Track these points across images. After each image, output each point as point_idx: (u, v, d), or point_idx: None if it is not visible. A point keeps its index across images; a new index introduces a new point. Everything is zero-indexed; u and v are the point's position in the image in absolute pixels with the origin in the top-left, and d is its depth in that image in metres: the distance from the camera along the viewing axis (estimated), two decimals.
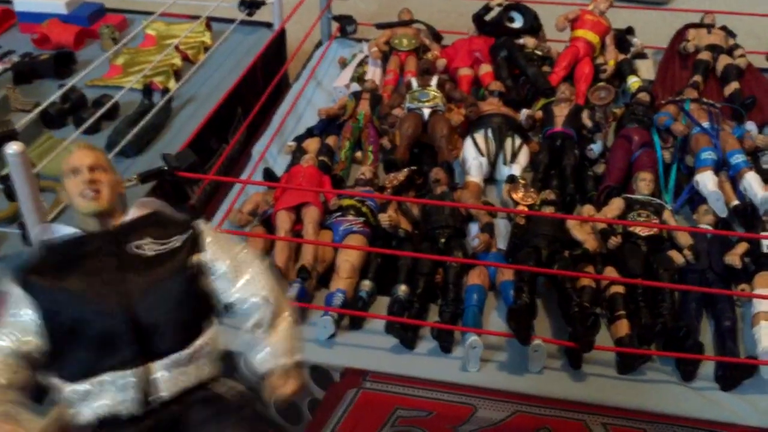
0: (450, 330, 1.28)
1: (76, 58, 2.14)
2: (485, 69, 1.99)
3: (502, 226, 1.49)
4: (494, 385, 1.24)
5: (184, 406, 0.36)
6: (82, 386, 0.37)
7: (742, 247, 1.40)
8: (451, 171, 1.62)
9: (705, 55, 1.97)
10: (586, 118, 1.72)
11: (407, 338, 1.27)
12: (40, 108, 1.64)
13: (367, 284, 1.38)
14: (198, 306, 0.39)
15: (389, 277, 1.40)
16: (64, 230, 0.42)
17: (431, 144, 1.72)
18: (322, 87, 2.10)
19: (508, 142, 1.69)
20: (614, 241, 1.40)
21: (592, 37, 1.99)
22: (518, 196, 1.52)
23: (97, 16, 2.36)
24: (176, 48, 2.13)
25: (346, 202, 1.49)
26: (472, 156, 1.67)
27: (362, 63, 2.11)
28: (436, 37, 2.13)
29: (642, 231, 1.42)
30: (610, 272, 1.38)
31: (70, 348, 0.38)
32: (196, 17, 2.21)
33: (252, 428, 0.39)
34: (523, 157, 1.68)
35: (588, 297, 1.32)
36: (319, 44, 2.33)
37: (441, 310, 1.33)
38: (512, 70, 1.98)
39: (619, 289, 1.34)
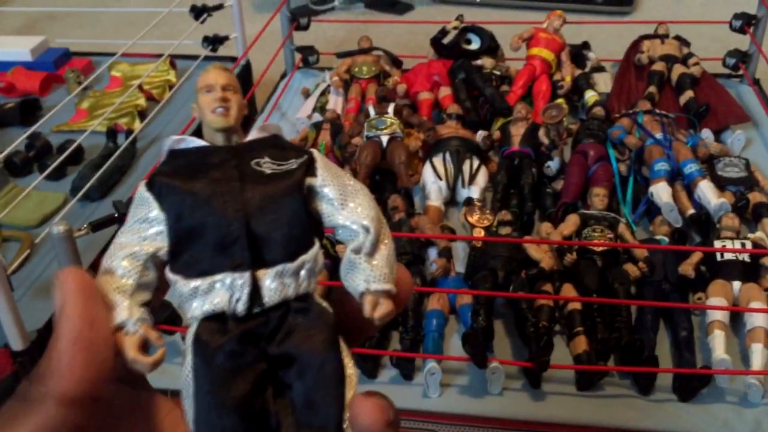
0: (410, 357, 1.29)
1: (41, 105, 2.17)
2: (445, 92, 2.01)
3: (460, 250, 1.50)
4: (456, 409, 1.25)
5: (282, 314, 0.39)
6: (195, 283, 0.38)
7: (696, 257, 1.42)
8: (409, 197, 1.64)
9: (659, 66, 2.00)
10: (542, 135, 1.74)
11: (368, 368, 1.29)
12: (1, 156, 1.66)
13: None
14: (307, 224, 0.41)
15: None
16: (195, 142, 0.44)
17: (392, 170, 1.74)
18: (286, 118, 2.12)
19: (467, 164, 1.71)
20: (570, 258, 1.42)
21: (548, 55, 2.02)
22: (474, 218, 1.54)
23: (62, 60, 2.38)
24: (140, 88, 2.15)
25: None
26: (431, 180, 1.69)
27: (324, 92, 2.14)
28: (396, 62, 2.16)
29: (597, 246, 1.44)
30: (568, 289, 1.40)
31: (188, 248, 0.39)
32: (160, 56, 2.23)
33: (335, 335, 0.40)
34: (482, 178, 1.70)
35: (546, 315, 1.33)
36: (284, 75, 2.35)
37: (401, 338, 1.34)
38: (471, 91, 2.01)
39: (577, 305, 1.36)
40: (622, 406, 1.24)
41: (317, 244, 0.43)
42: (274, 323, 0.38)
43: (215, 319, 0.38)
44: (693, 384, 1.23)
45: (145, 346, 0.37)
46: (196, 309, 0.39)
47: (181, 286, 0.40)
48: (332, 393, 0.36)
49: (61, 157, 1.73)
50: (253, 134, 0.47)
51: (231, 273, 0.38)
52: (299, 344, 0.37)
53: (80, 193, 1.70)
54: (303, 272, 0.40)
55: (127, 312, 0.37)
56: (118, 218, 1.19)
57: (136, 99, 2.12)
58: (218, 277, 0.38)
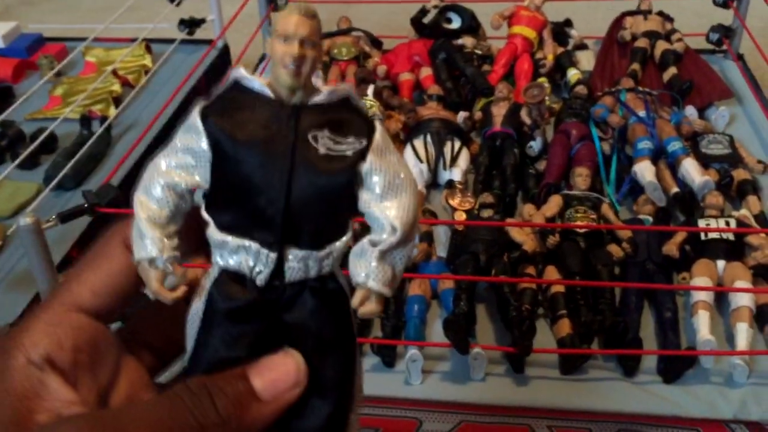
0: (391, 344, 1.27)
1: (14, 92, 2.11)
2: (425, 72, 1.98)
3: (441, 234, 1.48)
4: (438, 396, 1.23)
5: (299, 290, 0.39)
6: (225, 237, 0.37)
7: (680, 236, 1.40)
8: None
9: (642, 43, 1.97)
10: (524, 115, 1.71)
11: None
12: None
13: None
14: (346, 211, 0.40)
15: None
16: (257, 82, 0.41)
17: None
18: None
19: (448, 146, 1.68)
20: (552, 240, 1.39)
21: (529, 33, 1.99)
22: (455, 201, 1.51)
23: (36, 46, 2.33)
24: (115, 73, 2.11)
25: None
26: (412, 163, 1.66)
27: None
28: (376, 43, 2.12)
29: (580, 228, 1.42)
30: (551, 271, 1.38)
31: (226, 199, 0.38)
32: (136, 40, 2.18)
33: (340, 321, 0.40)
34: (463, 160, 1.67)
35: (529, 299, 1.31)
36: (262, 58, 2.31)
37: (382, 324, 1.32)
38: (452, 71, 1.97)
39: (560, 288, 1.34)
40: (607, 390, 1.22)
41: (349, 233, 0.41)
42: (288, 297, 0.38)
43: (234, 278, 0.38)
44: (678, 366, 1.21)
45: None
46: (221, 259, 0.38)
47: (212, 231, 0.38)
48: (332, 360, 0.38)
49: (33, 145, 1.69)
50: (323, 94, 0.43)
51: (259, 243, 0.38)
52: (308, 319, 0.38)
53: (53, 183, 1.66)
54: (328, 259, 0.39)
55: (159, 246, 0.37)
56: (87, 209, 1.16)
57: (110, 85, 2.08)
58: (247, 243, 0.38)
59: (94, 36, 1.90)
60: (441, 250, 1.45)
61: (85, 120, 1.89)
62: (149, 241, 0.37)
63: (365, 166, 0.41)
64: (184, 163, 0.39)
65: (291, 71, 0.42)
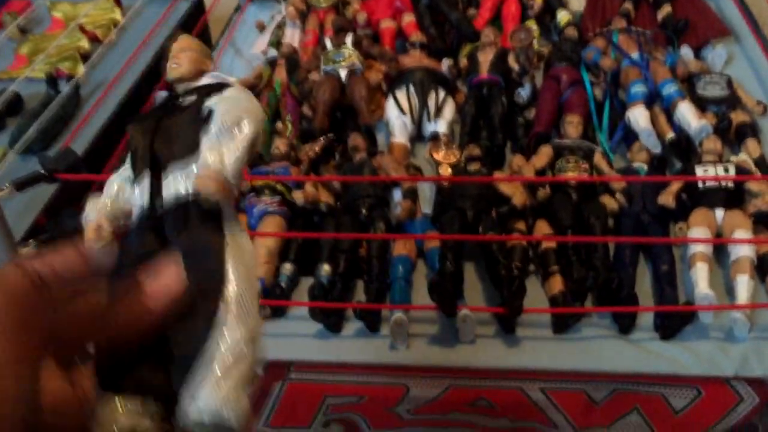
0: (375, 308, 1.21)
1: None
2: (408, 18, 1.88)
3: (426, 190, 1.41)
4: (425, 361, 1.18)
5: (182, 214, 0.46)
6: (136, 189, 0.49)
7: (676, 185, 1.33)
8: (371, 135, 1.54)
9: None
10: (512, 61, 1.63)
11: (331, 323, 1.20)
12: None
13: (288, 267, 1.30)
14: (196, 135, 0.49)
15: (313, 255, 1.32)
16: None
17: (353, 106, 1.63)
18: (241, 55, 1.99)
19: (432, 96, 1.60)
20: (542, 193, 1.32)
21: None
22: (440, 155, 1.44)
23: None
24: (82, 29, 2.00)
25: (259, 182, 1.40)
26: (395, 115, 1.58)
27: (281, 26, 2.00)
28: None
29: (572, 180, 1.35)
30: (542, 226, 1.31)
31: (133, 166, 0.50)
32: None
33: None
34: (449, 110, 1.59)
35: (519, 256, 1.25)
36: (237, 8, 2.20)
37: (366, 287, 1.26)
38: (436, 17, 1.87)
39: (551, 243, 1.27)
40: (601, 348, 1.17)
41: (203, 149, 0.47)
42: (171, 220, 0.45)
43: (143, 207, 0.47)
44: (676, 321, 1.15)
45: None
46: (138, 198, 0.48)
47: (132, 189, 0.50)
48: (203, 265, 0.42)
49: None
50: (204, 80, 0.56)
51: (142, 179, 0.48)
52: (181, 230, 0.44)
53: (18, 146, 1.58)
54: (191, 170, 0.46)
55: (94, 214, 0.51)
56: (44, 175, 1.08)
57: (77, 41, 1.97)
58: (138, 184, 0.48)
59: None
60: (426, 207, 1.38)
61: (52, 79, 1.79)
62: (93, 210, 0.51)
63: (211, 101, 0.50)
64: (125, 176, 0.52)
65: (172, 67, 0.56)
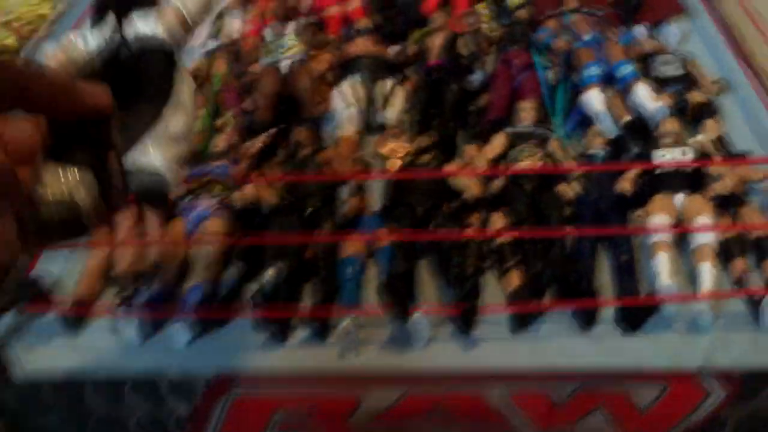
0: (322, 314, 1.13)
1: None
2: (354, 4, 1.80)
3: (375, 185, 1.33)
4: (378, 368, 1.11)
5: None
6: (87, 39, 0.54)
7: (634, 171, 1.27)
8: (316, 128, 1.46)
9: None
10: (462, 46, 1.56)
11: (276, 331, 1.13)
12: None
13: (230, 274, 1.22)
14: None
15: (257, 259, 1.24)
16: None
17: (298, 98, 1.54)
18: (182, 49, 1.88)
19: (380, 85, 1.52)
20: (497, 183, 1.26)
21: None
22: (388, 149, 1.36)
23: None
24: (8, 25, 1.88)
25: (195, 184, 1.31)
26: (341, 107, 1.50)
27: (221, 15, 1.90)
28: None
29: (527, 167, 1.29)
30: (497, 218, 1.25)
31: None
32: None
33: None
34: (398, 99, 1.51)
35: (473, 252, 1.18)
36: None
37: (313, 290, 1.18)
38: (384, 2, 1.79)
39: (507, 237, 1.21)
40: (563, 346, 1.11)
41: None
42: (130, 50, 0.51)
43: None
44: (638, 314, 1.10)
45: None
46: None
47: None
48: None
49: None
50: None
51: (104, 23, 0.53)
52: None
53: None
54: (153, 14, 0.54)
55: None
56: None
57: (4, 39, 1.86)
58: (99, 28, 0.53)
59: None
60: (376, 204, 1.31)
61: None
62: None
63: None
64: None
65: None
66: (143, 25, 0.53)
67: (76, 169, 0.35)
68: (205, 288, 1.17)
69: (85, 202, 0.35)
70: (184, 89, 0.54)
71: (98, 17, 0.53)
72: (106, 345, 1.16)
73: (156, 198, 0.57)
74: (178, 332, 1.12)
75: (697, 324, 1.09)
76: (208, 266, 1.20)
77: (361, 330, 1.11)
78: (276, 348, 1.13)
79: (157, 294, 1.17)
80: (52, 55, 0.60)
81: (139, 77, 0.47)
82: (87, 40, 0.57)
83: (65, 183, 0.34)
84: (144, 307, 1.16)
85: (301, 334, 1.15)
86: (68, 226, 0.34)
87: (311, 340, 1.14)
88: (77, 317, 1.19)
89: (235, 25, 1.83)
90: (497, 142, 1.34)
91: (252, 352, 1.13)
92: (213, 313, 1.14)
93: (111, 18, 0.53)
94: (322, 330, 1.13)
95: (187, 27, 0.57)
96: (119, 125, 0.38)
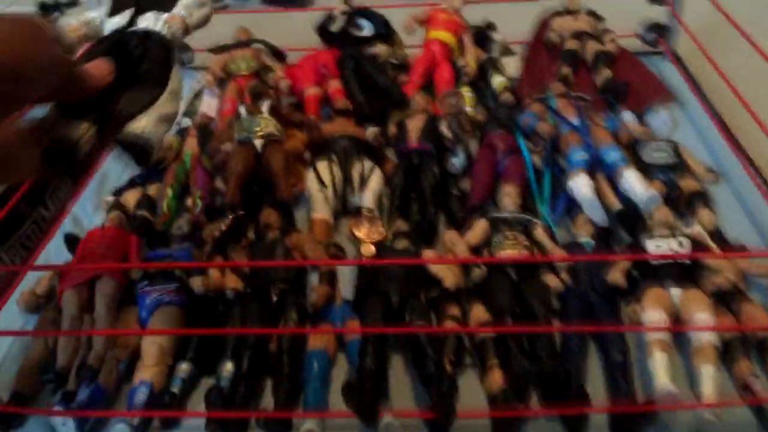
0: (281, 417, 1.01)
1: None
2: (334, 85, 1.75)
3: (347, 272, 1.23)
4: None
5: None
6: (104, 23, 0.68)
7: (626, 261, 1.18)
8: (286, 211, 1.37)
9: (571, 44, 1.78)
10: (444, 128, 1.50)
11: None
12: None
13: (183, 368, 1.10)
14: None
15: (216, 351, 1.13)
16: None
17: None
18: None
19: (357, 166, 1.45)
20: (478, 272, 1.17)
21: (448, 38, 1.78)
22: (362, 232, 1.28)
23: None
24: None
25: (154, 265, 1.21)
26: (316, 188, 1.42)
27: (198, 94, 1.84)
28: (279, 56, 1.88)
29: (511, 255, 1.20)
30: (478, 310, 1.15)
31: None
32: None
33: None
34: (375, 182, 1.44)
35: (451, 348, 1.08)
36: None
37: (274, 389, 1.07)
38: (364, 82, 1.74)
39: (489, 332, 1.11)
40: None
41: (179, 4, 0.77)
42: (135, 38, 0.60)
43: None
44: (634, 422, 0.99)
45: None
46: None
47: None
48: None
49: None
50: None
51: (120, 13, 0.64)
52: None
53: None
54: (163, 16, 0.70)
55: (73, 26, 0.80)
56: None
57: None
58: (113, 17, 0.66)
59: None
60: (347, 292, 1.21)
61: None
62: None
63: None
64: None
65: None
66: (153, 23, 0.60)
67: (87, 124, 0.47)
68: (153, 385, 1.05)
69: (84, 148, 0.47)
70: (176, 82, 0.64)
71: (117, 9, 0.61)
72: None
73: (140, 155, 0.61)
74: None
75: None
76: (158, 361, 1.09)
77: None
78: None
79: (99, 391, 1.05)
80: (73, 27, 0.73)
81: (141, 63, 0.53)
82: (103, 23, 0.65)
83: (78, 129, 0.46)
84: (85, 405, 1.03)
85: None
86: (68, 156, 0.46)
87: None
88: (13, 414, 1.07)
89: (212, 104, 1.77)
90: (479, 228, 1.26)
91: None
92: (160, 413, 1.02)
93: (128, 12, 0.61)
94: None
95: (187, 33, 0.77)
96: (120, 99, 0.49)
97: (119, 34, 0.61)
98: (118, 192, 1.53)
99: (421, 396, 1.07)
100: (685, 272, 1.16)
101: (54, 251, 1.37)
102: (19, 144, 0.38)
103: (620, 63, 1.78)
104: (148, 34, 0.60)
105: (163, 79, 0.59)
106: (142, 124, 0.60)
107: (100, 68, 0.43)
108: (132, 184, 1.55)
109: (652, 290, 1.13)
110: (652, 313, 1.09)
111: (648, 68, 1.79)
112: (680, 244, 1.18)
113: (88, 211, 1.53)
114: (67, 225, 1.48)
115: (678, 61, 1.87)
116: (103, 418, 1.04)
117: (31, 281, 1.29)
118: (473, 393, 1.06)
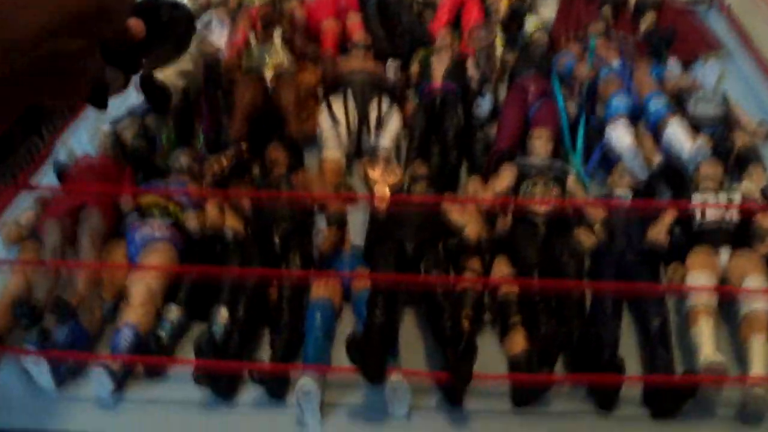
0: (279, 369, 0.91)
1: None
2: (353, 18, 1.62)
3: (359, 216, 1.12)
4: None
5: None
6: None
7: (669, 217, 1.07)
8: (295, 148, 1.26)
9: None
10: (471, 67, 1.37)
11: (222, 387, 0.91)
12: None
13: (173, 311, 1.01)
14: None
15: (210, 296, 1.03)
16: None
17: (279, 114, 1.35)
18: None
19: (374, 104, 1.33)
20: (503, 223, 1.05)
21: None
22: (376, 173, 1.16)
23: None
24: None
25: (147, 200, 1.11)
26: (328, 126, 1.30)
27: (206, 24, 1.71)
28: None
29: (539, 206, 1.08)
30: (501, 264, 1.04)
31: None
32: None
33: None
34: (393, 123, 1.32)
35: (470, 303, 0.97)
36: None
37: (271, 341, 0.97)
38: (387, 20, 1.62)
39: (513, 288, 1.00)
40: (575, 428, 0.89)
41: None
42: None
43: None
44: (672, 396, 0.88)
45: None
46: None
47: None
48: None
49: None
50: None
51: None
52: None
53: None
54: None
55: None
56: None
57: None
58: None
59: None
60: (358, 238, 1.10)
61: None
62: None
63: None
64: None
65: None
66: None
67: (119, 71, 0.43)
68: (139, 328, 0.95)
69: (114, 90, 0.41)
70: (194, 46, 0.68)
71: None
72: (17, 394, 0.95)
73: (160, 100, 0.53)
74: (101, 381, 0.90)
75: (747, 413, 0.87)
76: (145, 301, 0.98)
77: (326, 392, 0.89)
78: (219, 408, 0.91)
79: (79, 331, 0.96)
80: None
81: (168, 26, 0.50)
82: None
83: (113, 74, 0.42)
84: (62, 346, 0.94)
85: (252, 393, 0.93)
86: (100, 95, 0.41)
87: (265, 401, 0.91)
88: None
89: (222, 35, 1.65)
90: (507, 174, 1.14)
91: (191, 411, 0.91)
92: (143, 359, 0.92)
93: None
94: (278, 388, 0.91)
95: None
96: (146, 54, 0.44)
97: (152, 2, 0.56)
98: (116, 122, 1.42)
99: (432, 357, 0.96)
100: (735, 233, 1.04)
101: (45, 183, 1.27)
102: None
103: (666, 11, 1.63)
104: (176, 5, 0.57)
105: (184, 41, 0.53)
106: (166, 74, 0.72)
107: (137, 25, 0.43)
108: (130, 115, 1.44)
109: (698, 251, 1.02)
110: (699, 276, 0.97)
111: (695, 17, 1.65)
112: (730, 201, 1.06)
113: (83, 141, 1.42)
114: (61, 156, 1.38)
115: (727, 11, 1.72)
116: (81, 361, 0.94)
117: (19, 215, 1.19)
118: (492, 355, 0.96)
